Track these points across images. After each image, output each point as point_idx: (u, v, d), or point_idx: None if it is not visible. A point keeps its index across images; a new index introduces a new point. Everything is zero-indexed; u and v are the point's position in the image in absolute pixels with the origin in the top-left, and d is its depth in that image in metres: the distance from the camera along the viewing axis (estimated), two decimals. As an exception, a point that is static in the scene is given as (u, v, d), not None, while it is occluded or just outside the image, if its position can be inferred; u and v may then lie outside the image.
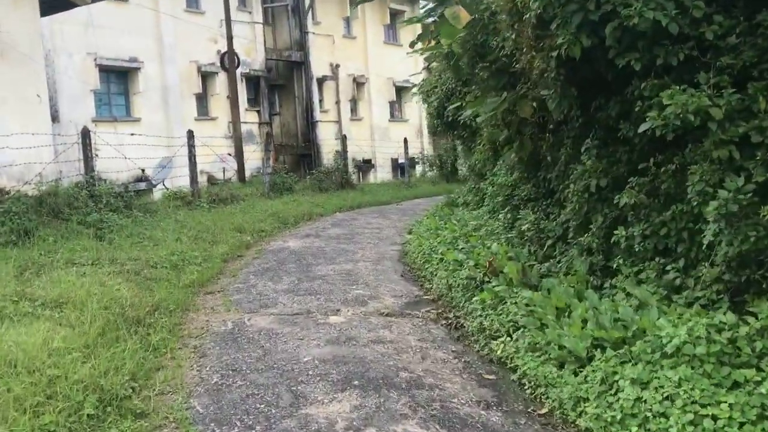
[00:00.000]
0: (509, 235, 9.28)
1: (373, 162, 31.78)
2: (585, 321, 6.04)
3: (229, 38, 22.63)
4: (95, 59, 21.16)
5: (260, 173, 24.21)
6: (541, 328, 6.31)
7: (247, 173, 23.78)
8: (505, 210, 9.76)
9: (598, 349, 5.52)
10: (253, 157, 25.09)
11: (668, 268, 6.06)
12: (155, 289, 8.51)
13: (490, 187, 11.61)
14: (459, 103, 11.05)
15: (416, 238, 12.18)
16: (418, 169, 32.39)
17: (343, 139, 23.74)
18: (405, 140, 27.03)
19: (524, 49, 6.41)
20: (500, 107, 8.17)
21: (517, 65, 6.90)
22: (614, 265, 6.75)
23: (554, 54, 5.95)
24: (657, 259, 6.19)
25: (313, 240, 13.64)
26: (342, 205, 19.23)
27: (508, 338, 6.54)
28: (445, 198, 18.04)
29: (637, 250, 6.30)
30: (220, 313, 8.15)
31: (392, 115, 34.49)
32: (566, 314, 6.35)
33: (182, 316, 7.90)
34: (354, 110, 32.41)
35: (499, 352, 6.42)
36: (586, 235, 7.04)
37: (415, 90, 16.77)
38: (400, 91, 34.55)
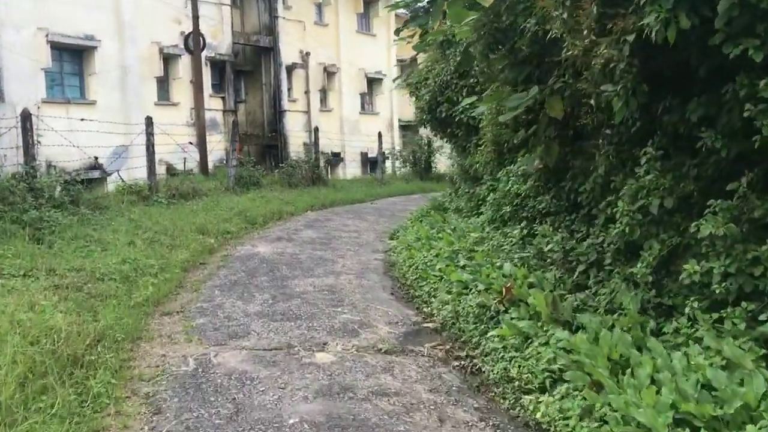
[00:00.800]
0: (523, 255, 7.88)
1: (342, 156, 30.22)
2: (654, 381, 4.70)
3: (195, 17, 20.92)
4: (47, 35, 19.22)
5: (224, 164, 22.52)
6: (591, 385, 4.95)
7: (210, 164, 22.07)
8: (520, 224, 8.35)
9: (686, 428, 4.17)
10: (217, 147, 23.41)
11: (762, 317, 4.74)
12: (100, 310, 6.91)
13: (490, 193, 10.22)
14: (467, 99, 9.52)
15: (405, 248, 10.75)
16: (388, 164, 30.96)
17: (315, 131, 22.12)
18: (379, 134, 25.52)
19: (584, 32, 4.99)
20: (526, 104, 6.77)
21: (567, 53, 5.47)
22: (680, 305, 5.42)
23: (629, 38, 4.55)
24: (743, 304, 4.85)
25: (286, 245, 12.11)
26: (314, 203, 17.70)
27: (547, 396, 5.16)
28: (430, 200, 16.55)
29: (716, 291, 4.96)
30: (179, 344, 6.61)
31: (363, 107, 32.96)
32: (626, 370, 4.98)
33: (132, 349, 6.35)
34: (324, 101, 30.81)
35: (538, 415, 5.02)
36: (639, 266, 5.67)
37: (399, 81, 15.23)
38: (372, 82, 33.04)
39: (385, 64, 33.54)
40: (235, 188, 17.21)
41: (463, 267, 8.29)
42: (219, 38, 25.79)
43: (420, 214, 13.96)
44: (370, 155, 32.21)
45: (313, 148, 21.38)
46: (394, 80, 15.73)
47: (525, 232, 8.10)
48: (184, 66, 23.72)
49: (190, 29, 22.20)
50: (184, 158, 21.04)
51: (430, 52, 12.89)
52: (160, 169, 20.29)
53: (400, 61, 35.57)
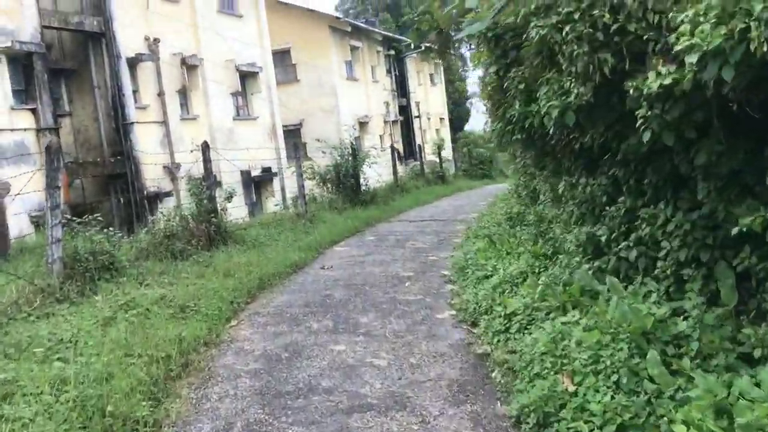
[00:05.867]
0: None
1: (218, 179, 20.62)
2: None
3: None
4: None
5: (42, 223, 12.67)
6: None
7: (15, 229, 12.13)
8: None
9: None
10: (32, 189, 13.41)
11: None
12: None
13: None
14: None
15: None
16: (289, 184, 21.77)
17: (204, 149, 12.03)
18: (303, 145, 15.99)
19: None
20: None
21: None
22: None
23: None
24: None
25: None
26: (235, 293, 8.41)
27: None
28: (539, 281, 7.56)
29: None
30: None
31: (238, 111, 23.45)
32: None
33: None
34: (185, 105, 21.04)
35: None
36: None
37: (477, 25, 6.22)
38: (245, 78, 23.56)
39: (258, 55, 24.18)
40: (68, 288, 7.64)
41: None
42: (17, 20, 15.57)
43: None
44: (254, 174, 22.93)
45: (207, 179, 11.59)
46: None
47: None
48: (-44, 61, 13.53)
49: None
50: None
51: None
52: None
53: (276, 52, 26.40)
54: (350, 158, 17.64)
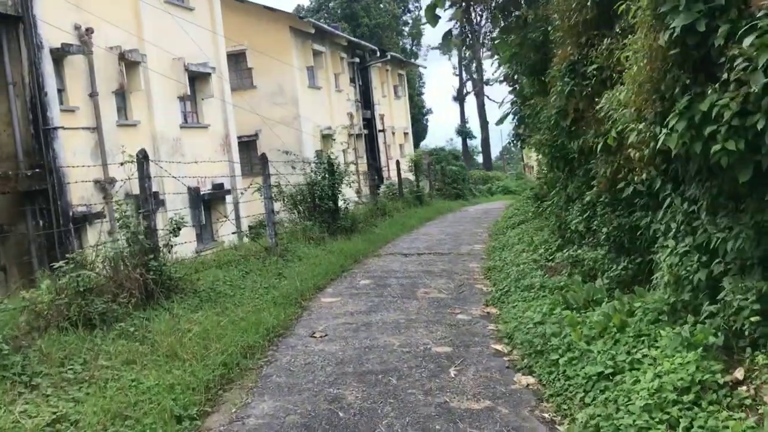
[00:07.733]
0: None
1: (162, 197, 16.98)
2: None
3: None
4: None
5: None
6: None
7: None
8: None
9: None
10: None
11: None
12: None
13: None
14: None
15: None
16: (244, 208, 18.26)
17: (142, 160, 8.45)
18: (264, 159, 12.34)
19: None
20: None
21: None
22: None
23: None
24: None
25: None
26: (185, 395, 5.02)
27: None
28: None
29: None
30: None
31: (186, 118, 19.95)
32: None
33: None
34: (123, 109, 17.47)
35: None
36: None
37: None
38: (195, 80, 20.09)
39: (211, 53, 20.75)
40: None
41: None
42: None
43: None
44: (203, 191, 19.45)
45: (145, 202, 8.08)
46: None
47: None
48: None
49: None
50: None
51: None
52: None
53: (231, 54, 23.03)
54: (327, 175, 14.33)
